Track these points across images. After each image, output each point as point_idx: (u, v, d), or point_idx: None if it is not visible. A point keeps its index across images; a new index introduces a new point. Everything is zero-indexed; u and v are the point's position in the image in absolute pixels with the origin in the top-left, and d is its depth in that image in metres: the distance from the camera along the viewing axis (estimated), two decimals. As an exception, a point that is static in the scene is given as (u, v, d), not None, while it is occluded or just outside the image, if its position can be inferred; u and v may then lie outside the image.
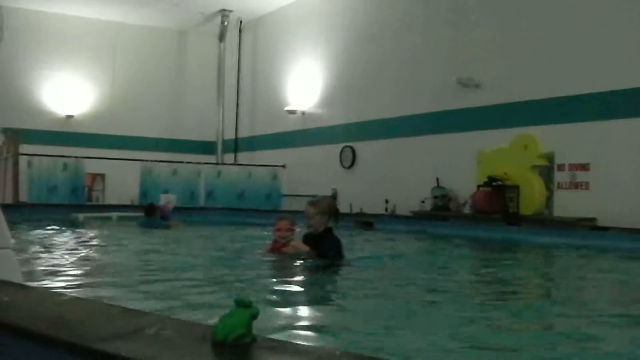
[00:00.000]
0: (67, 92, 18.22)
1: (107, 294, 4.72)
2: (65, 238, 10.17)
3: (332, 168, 15.32)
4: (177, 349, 1.53)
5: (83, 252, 8.13)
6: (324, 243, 6.79)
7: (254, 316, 1.58)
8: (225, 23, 18.32)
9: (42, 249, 8.12)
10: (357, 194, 14.35)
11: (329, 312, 4.39)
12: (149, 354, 1.47)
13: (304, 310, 4.50)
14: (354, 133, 14.83)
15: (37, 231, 10.86)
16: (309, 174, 16.05)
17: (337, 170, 15.21)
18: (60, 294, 2.13)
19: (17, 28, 17.27)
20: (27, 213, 13.33)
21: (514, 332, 3.88)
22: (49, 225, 11.84)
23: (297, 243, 6.85)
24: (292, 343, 1.61)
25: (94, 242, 9.51)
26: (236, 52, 19.10)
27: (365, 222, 12.67)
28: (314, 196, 15.14)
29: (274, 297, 4.79)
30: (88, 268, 6.43)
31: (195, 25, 18.87)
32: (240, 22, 18.81)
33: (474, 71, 12.09)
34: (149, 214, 12.42)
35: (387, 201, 13.37)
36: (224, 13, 18.00)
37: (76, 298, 2.08)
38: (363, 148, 14.68)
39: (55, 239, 9.96)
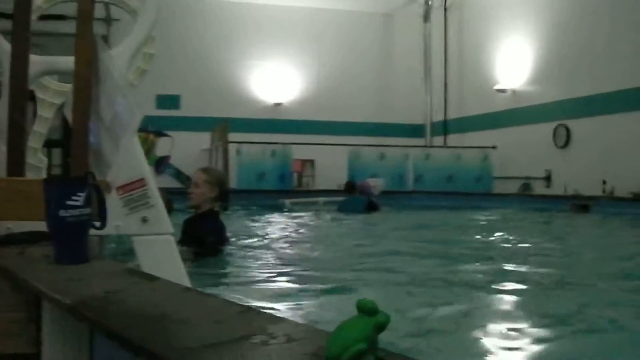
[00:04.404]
0: (275, 81, 18.48)
1: (280, 286, 4.52)
2: (267, 224, 10.30)
3: (545, 148, 14.45)
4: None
5: (276, 238, 8.08)
6: (203, 226, 5.53)
7: (381, 326, 1.19)
8: (430, 3, 17.83)
9: (245, 235, 8.16)
10: (571, 175, 13.44)
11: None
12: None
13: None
14: (568, 110, 13.85)
15: (245, 217, 11.14)
16: (521, 155, 15.26)
17: (551, 150, 14.32)
18: (187, 289, 1.84)
19: (225, 20, 17.82)
20: (237, 200, 13.62)
21: None
22: (257, 211, 12.11)
23: None
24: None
25: (293, 229, 9.49)
26: (442, 32, 18.51)
27: (580, 205, 11.86)
28: (526, 178, 14.66)
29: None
30: (278, 256, 6.21)
31: (400, 7, 18.49)
32: (445, 1, 18.20)
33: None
34: (349, 191, 12.50)
35: (604, 182, 12.39)
36: (428, -8, 17.56)
37: (201, 294, 1.78)
38: (578, 126, 13.68)
39: (258, 224, 10.10)
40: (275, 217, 11.48)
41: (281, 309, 3.59)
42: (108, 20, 16.39)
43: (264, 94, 18.50)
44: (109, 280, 1.99)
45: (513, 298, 4.11)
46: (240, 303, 1.68)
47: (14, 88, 2.58)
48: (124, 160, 2.90)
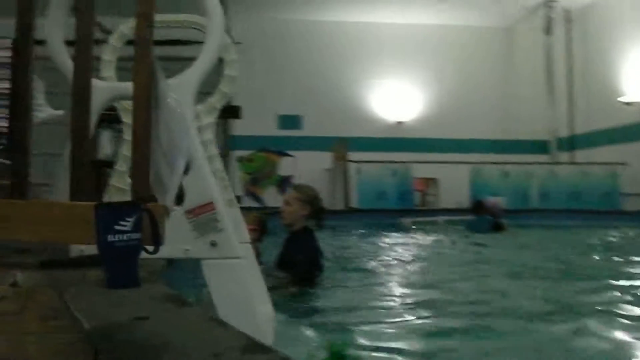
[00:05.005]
0: (396, 99, 18.38)
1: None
2: (382, 243, 10.24)
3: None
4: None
5: (383, 259, 7.99)
6: (295, 245, 5.36)
7: (349, 368, 1.11)
8: (551, 15, 17.24)
9: (353, 255, 8.14)
10: None
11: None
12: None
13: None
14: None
15: (361, 236, 11.15)
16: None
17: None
18: (210, 318, 1.81)
19: (345, 40, 17.94)
20: (358, 219, 13.67)
21: None
22: (375, 230, 12.06)
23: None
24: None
25: (406, 249, 9.36)
26: (565, 45, 17.94)
27: None
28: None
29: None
30: (377, 279, 6.09)
31: (519, 20, 18.03)
32: (567, 12, 17.58)
33: None
34: (477, 211, 12.18)
35: None
36: (548, 4, 16.92)
37: (219, 324, 1.74)
38: None
39: (372, 243, 10.06)
40: (392, 237, 11.38)
41: (362, 341, 3.49)
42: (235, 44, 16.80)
43: (385, 112, 18.45)
44: (142, 305, 1.99)
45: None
46: (256, 339, 1.62)
47: (76, 111, 2.64)
48: (193, 184, 2.92)
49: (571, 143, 17.82)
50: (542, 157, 17.53)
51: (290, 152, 16.22)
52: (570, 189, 15.54)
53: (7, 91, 2.61)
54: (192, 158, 2.91)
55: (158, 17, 3.96)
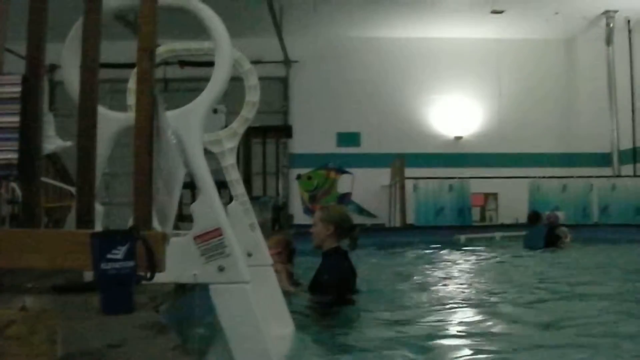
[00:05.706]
0: (455, 114, 18.23)
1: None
2: (431, 262, 10.16)
3: None
4: None
5: (438, 278, 7.94)
6: (321, 265, 5.27)
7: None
8: (611, 25, 16.82)
9: (393, 275, 8.13)
10: None
11: None
12: None
13: None
14: None
15: (413, 254, 11.10)
16: None
17: None
18: (175, 346, 1.87)
19: (402, 56, 17.93)
20: (415, 236, 13.63)
21: None
22: (430, 248, 11.99)
23: (283, 276, 5.09)
24: None
25: (454, 268, 9.29)
26: (627, 55, 17.55)
27: None
28: None
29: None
30: (409, 302, 5.96)
31: (579, 31, 17.70)
32: (628, 21, 17.21)
33: None
34: (533, 221, 12.07)
35: None
36: (608, 15, 16.49)
37: (181, 353, 1.80)
38: None
39: (420, 262, 10.02)
40: (445, 255, 11.30)
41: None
42: (287, 62, 16.99)
43: (443, 127, 18.30)
44: (122, 332, 2.06)
45: None
46: None
47: (81, 141, 2.73)
48: (201, 209, 2.99)
49: (635, 155, 17.40)
50: (604, 170, 17.12)
51: (348, 170, 16.34)
52: (631, 203, 15.22)
53: (17, 125, 2.71)
54: (200, 184, 2.98)
55: (182, 45, 4.10)
